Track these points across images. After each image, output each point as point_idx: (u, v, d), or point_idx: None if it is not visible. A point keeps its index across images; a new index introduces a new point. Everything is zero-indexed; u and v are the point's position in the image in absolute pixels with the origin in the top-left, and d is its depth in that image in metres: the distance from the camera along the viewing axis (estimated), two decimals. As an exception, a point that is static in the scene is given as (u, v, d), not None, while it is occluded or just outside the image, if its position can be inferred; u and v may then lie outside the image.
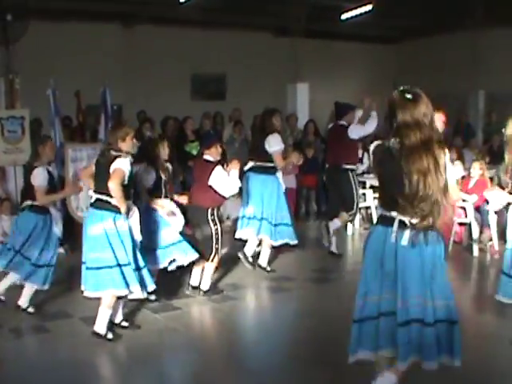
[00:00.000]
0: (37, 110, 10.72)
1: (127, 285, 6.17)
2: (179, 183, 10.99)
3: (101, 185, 6.23)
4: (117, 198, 6.11)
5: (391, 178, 4.18)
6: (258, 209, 8.67)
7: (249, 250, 8.98)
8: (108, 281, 6.16)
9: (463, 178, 10.23)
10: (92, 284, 6.22)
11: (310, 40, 15.68)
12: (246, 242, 9.03)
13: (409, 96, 4.15)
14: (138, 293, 6.26)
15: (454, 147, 12.44)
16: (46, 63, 13.88)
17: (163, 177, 7.48)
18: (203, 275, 7.84)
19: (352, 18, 16.93)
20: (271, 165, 8.65)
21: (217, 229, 7.59)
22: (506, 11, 15.37)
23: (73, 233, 10.45)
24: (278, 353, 6.09)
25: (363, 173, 11.79)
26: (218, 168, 7.52)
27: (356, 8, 16.50)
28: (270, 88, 16.63)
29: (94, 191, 6.39)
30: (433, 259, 4.21)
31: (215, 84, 17.90)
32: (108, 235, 6.17)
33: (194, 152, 11.36)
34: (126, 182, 6.20)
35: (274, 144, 8.55)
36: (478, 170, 10.13)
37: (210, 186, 7.51)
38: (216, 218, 7.61)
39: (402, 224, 4.19)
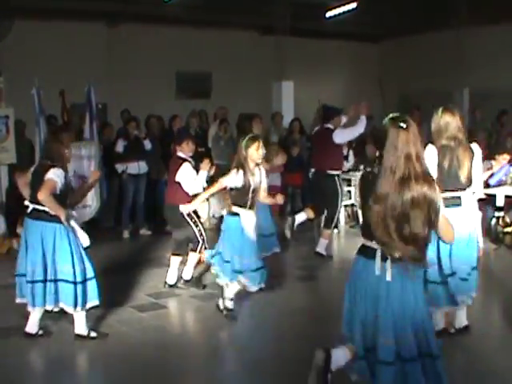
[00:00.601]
0: (21, 109, 10.67)
1: (56, 300, 6.13)
2: (165, 182, 10.99)
3: (36, 194, 6.05)
4: (51, 208, 5.98)
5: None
6: None
7: None
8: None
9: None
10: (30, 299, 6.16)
11: (294, 38, 15.69)
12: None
13: (402, 124, 3.97)
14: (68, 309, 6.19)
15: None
16: (31, 62, 13.83)
17: None
18: (186, 265, 7.97)
19: (336, 16, 16.99)
20: None
21: (195, 222, 7.63)
22: (491, 9, 15.47)
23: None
24: (263, 351, 6.10)
25: (349, 170, 11.84)
26: (186, 164, 7.60)
27: (340, 6, 16.57)
28: (255, 86, 16.65)
29: (30, 201, 6.21)
30: (415, 295, 4.04)
31: (200, 82, 17.90)
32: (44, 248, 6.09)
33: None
34: (58, 192, 6.05)
35: None
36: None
37: (179, 183, 7.59)
38: (191, 212, 7.63)
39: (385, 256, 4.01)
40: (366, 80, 19.46)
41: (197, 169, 7.74)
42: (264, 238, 8.48)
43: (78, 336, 6.28)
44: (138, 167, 11.35)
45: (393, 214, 3.85)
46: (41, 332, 6.34)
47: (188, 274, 7.97)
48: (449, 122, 5.50)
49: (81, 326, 6.28)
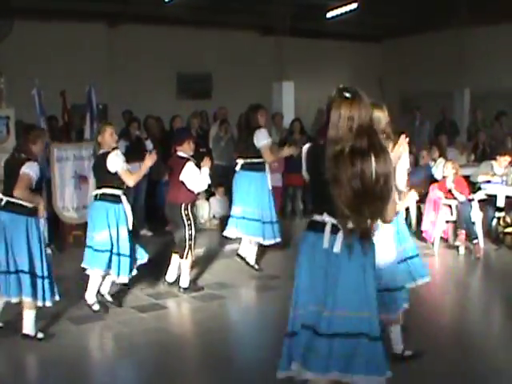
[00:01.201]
0: (22, 109, 10.67)
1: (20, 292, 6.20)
2: (166, 183, 10.98)
3: (10, 188, 6.09)
4: (28, 200, 6.11)
5: (325, 180, 3.79)
6: (247, 208, 8.67)
7: (243, 251, 8.96)
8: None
9: (443, 177, 10.29)
10: None
11: (295, 39, 15.68)
12: (231, 239, 9.14)
13: (347, 95, 3.80)
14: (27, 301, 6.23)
15: (436, 146, 12.56)
16: (31, 63, 13.83)
17: None
18: (181, 273, 7.93)
19: (337, 16, 16.98)
20: (260, 161, 8.61)
21: (190, 225, 7.61)
22: (492, 10, 15.47)
23: (59, 233, 10.46)
24: (264, 351, 6.10)
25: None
26: (190, 163, 7.60)
27: (341, 6, 16.56)
28: (256, 87, 16.62)
29: (3, 193, 6.23)
30: (364, 268, 3.89)
31: (201, 83, 17.90)
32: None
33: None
34: (33, 187, 6.12)
35: (261, 138, 8.53)
36: (451, 169, 10.15)
37: (182, 182, 7.59)
38: (190, 214, 7.64)
39: (335, 228, 3.86)
40: (367, 80, 19.42)
41: (198, 167, 7.74)
42: (268, 224, 8.58)
43: (25, 336, 6.25)
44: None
45: (344, 187, 3.70)
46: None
47: (185, 281, 7.90)
48: (380, 116, 5.47)
49: (28, 326, 6.26)
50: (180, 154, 7.75)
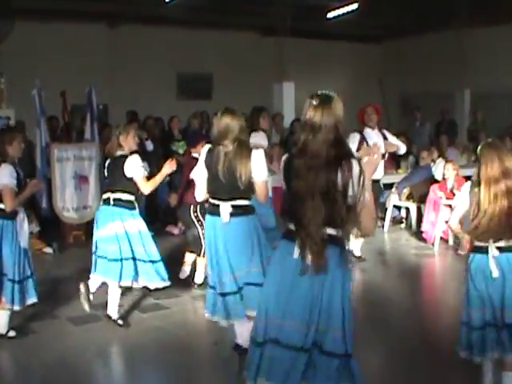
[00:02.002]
0: (22, 110, 10.68)
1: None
2: (166, 183, 10.98)
3: None
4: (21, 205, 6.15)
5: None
6: None
7: None
8: None
9: (444, 178, 10.29)
10: None
11: (295, 39, 15.68)
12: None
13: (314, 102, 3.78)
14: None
15: (435, 146, 12.56)
16: (32, 63, 13.84)
17: None
18: (196, 269, 8.03)
19: (338, 16, 16.97)
20: None
21: (202, 225, 7.61)
22: (492, 10, 15.47)
23: (60, 233, 10.47)
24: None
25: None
26: None
27: (342, 7, 16.55)
28: (256, 87, 16.63)
29: None
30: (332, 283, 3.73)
31: (201, 83, 17.90)
32: None
33: (181, 151, 11.38)
34: (17, 190, 6.06)
35: (256, 141, 8.55)
36: (451, 170, 10.16)
37: (192, 182, 7.61)
38: (199, 214, 7.65)
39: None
40: (367, 81, 19.48)
41: None
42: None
43: None
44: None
45: (307, 196, 3.63)
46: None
47: (200, 277, 8.01)
48: (230, 124, 5.45)
49: (0, 325, 6.25)
50: (194, 155, 7.79)
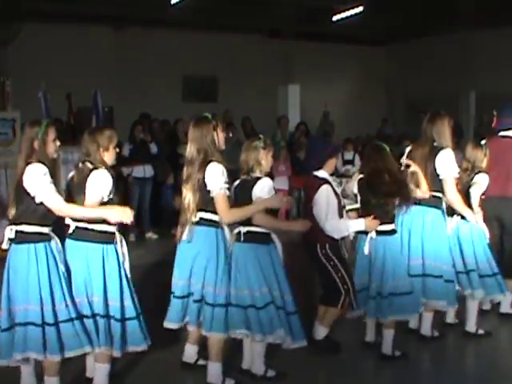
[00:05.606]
0: (28, 112, 10.70)
1: None
2: (171, 186, 11.01)
3: None
4: None
5: None
6: None
7: None
8: None
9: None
10: None
11: (300, 42, 15.72)
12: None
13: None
14: None
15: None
16: (37, 65, 13.88)
17: None
18: None
19: (343, 19, 16.96)
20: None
21: None
22: (498, 13, 15.45)
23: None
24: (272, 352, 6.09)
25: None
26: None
27: (347, 10, 16.54)
28: (261, 90, 16.66)
29: None
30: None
31: (206, 86, 17.93)
32: None
33: (187, 154, 11.37)
34: None
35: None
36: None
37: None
38: None
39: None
40: (373, 83, 19.47)
41: None
42: None
43: None
44: (143, 171, 11.34)
45: None
46: None
47: None
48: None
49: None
50: None
